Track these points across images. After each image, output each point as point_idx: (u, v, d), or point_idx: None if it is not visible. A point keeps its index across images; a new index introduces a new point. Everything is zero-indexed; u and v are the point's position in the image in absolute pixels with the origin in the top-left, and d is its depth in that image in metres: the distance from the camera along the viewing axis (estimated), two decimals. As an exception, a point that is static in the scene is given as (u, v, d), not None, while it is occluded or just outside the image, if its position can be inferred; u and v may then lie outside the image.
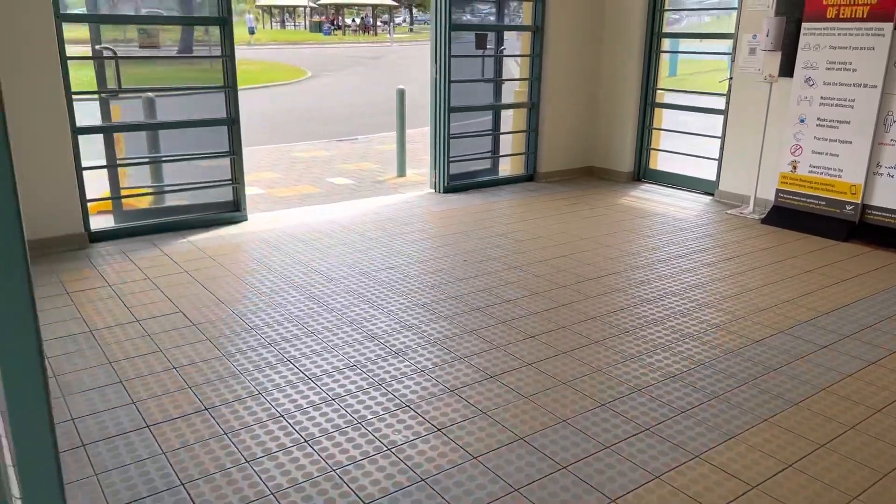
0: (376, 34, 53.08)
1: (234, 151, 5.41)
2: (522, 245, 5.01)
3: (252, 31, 37.58)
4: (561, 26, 6.82)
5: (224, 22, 5.10)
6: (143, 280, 4.20)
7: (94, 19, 4.93)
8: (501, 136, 7.17)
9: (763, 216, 5.80)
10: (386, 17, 56.19)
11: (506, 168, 7.35)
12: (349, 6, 59.51)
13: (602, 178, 7.39)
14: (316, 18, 57.68)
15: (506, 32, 6.93)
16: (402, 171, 7.67)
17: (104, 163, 5.06)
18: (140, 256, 4.65)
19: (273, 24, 65.38)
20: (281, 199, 6.55)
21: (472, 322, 3.66)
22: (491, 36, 6.75)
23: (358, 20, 56.98)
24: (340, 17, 57.44)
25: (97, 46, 4.94)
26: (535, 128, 7.04)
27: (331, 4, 58.91)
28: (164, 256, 4.66)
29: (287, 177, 7.59)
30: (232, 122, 5.33)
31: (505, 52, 6.94)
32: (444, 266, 4.54)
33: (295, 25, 67.01)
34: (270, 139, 10.48)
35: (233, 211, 5.47)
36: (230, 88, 5.26)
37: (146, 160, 5.38)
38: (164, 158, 5.42)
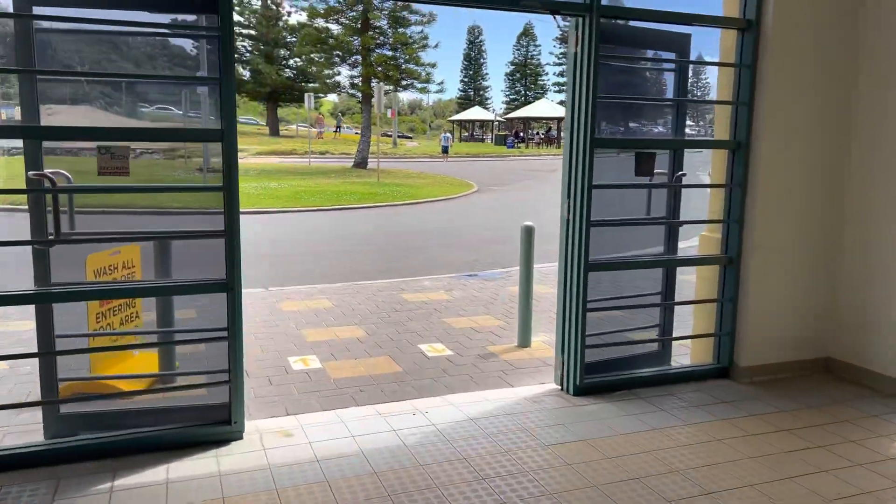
0: (559, 146, 52.30)
1: (232, 333, 3.49)
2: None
3: (445, 150, 37.91)
4: (779, 139, 4.32)
5: (223, 137, 3.33)
6: None
7: (29, 133, 3.41)
8: (676, 307, 4.65)
9: None
10: (571, 129, 55.45)
11: (682, 354, 4.77)
12: (537, 119, 59.95)
13: (850, 379, 4.50)
14: (501, 132, 58.58)
15: (687, 151, 4.54)
16: (524, 340, 5.37)
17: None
18: (13, 518, 2.76)
19: (463, 137, 67.78)
20: (336, 386, 4.52)
21: None
22: (662, 157, 4.40)
23: (542, 132, 56.87)
24: (528, 130, 57.81)
25: (30, 173, 3.38)
26: (734, 294, 4.44)
27: (518, 118, 59.74)
28: (47, 524, 2.73)
29: (371, 337, 5.61)
30: (229, 287, 3.45)
31: (684, 180, 4.53)
32: None
33: (483, 139, 68.96)
34: (387, 269, 8.77)
35: (218, 424, 3.49)
36: (230, 236, 3.41)
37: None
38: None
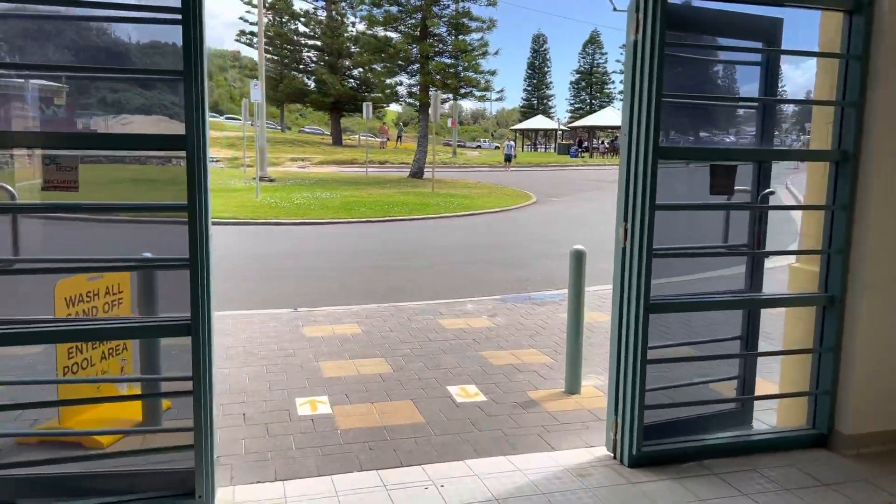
0: (625, 156, 50.59)
1: (199, 386, 2.85)
2: None
3: (508, 159, 37.00)
4: (899, 150, 3.40)
5: (187, 144, 2.69)
6: None
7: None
8: (759, 358, 3.77)
9: None
10: (638, 139, 53.73)
11: (766, 409, 3.88)
12: (602, 128, 58.41)
13: None
14: (565, 141, 57.30)
15: (774, 164, 3.66)
16: (573, 385, 4.56)
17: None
18: None
19: (525, 146, 66.76)
20: (341, 441, 3.83)
21: None
22: (744, 170, 3.54)
23: (607, 142, 55.31)
24: (593, 140, 56.34)
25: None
26: (835, 343, 3.53)
27: (583, 127, 58.35)
28: None
29: (396, 373, 4.91)
30: (193, 330, 2.81)
31: (771, 199, 3.65)
32: None
33: (546, 148, 67.78)
34: (429, 288, 8.07)
35: (181, 497, 2.85)
36: (196, 267, 2.77)
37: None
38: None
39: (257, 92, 16.39)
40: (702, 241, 3.69)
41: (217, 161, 35.74)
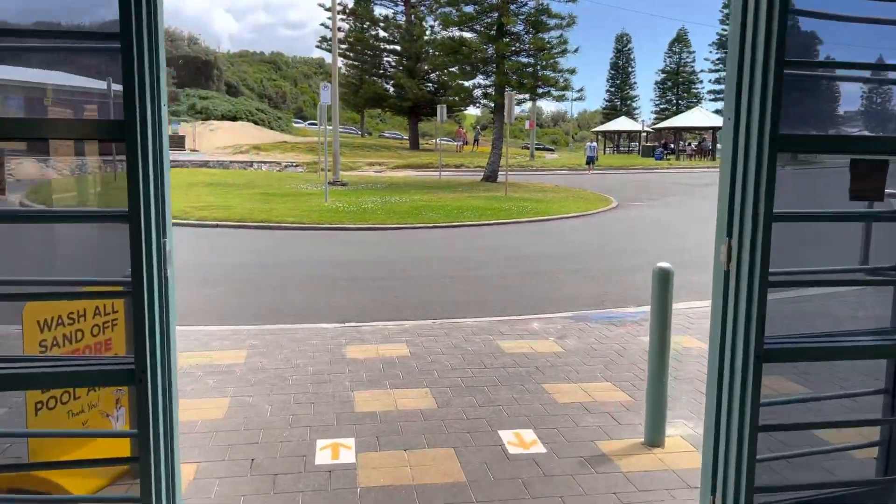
0: (714, 158, 48.06)
1: (146, 448, 2.19)
2: None
3: (591, 161, 35.49)
4: None
5: (125, 134, 2.03)
6: None
7: None
8: (916, 420, 2.79)
9: None
10: (728, 140, 50.83)
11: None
12: (689, 130, 55.79)
13: None
14: (649, 143, 55.06)
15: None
16: (654, 436, 3.68)
17: None
18: None
19: (608, 149, 64.73)
20: None
21: None
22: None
23: (695, 144, 52.74)
24: (679, 141, 53.86)
25: None
26: None
27: (668, 129, 55.92)
28: None
29: (440, 410, 4.17)
30: (137, 378, 2.15)
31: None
32: None
33: (629, 150, 65.49)
34: (491, 302, 7.28)
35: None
36: (141, 295, 2.11)
37: None
38: None
39: (327, 94, 16.09)
40: (818, 262, 2.77)
41: (297, 166, 36.24)
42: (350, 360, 5.20)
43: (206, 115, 57.73)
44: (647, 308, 7.22)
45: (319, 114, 16.91)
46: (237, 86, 76.14)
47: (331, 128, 23.37)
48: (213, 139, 49.95)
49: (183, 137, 45.47)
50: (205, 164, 34.35)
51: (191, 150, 43.68)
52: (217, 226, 13.19)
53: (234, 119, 58.16)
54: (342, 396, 4.39)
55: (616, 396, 4.48)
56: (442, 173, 29.19)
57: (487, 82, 26.58)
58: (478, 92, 26.58)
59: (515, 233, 13.56)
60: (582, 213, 16.69)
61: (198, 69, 66.99)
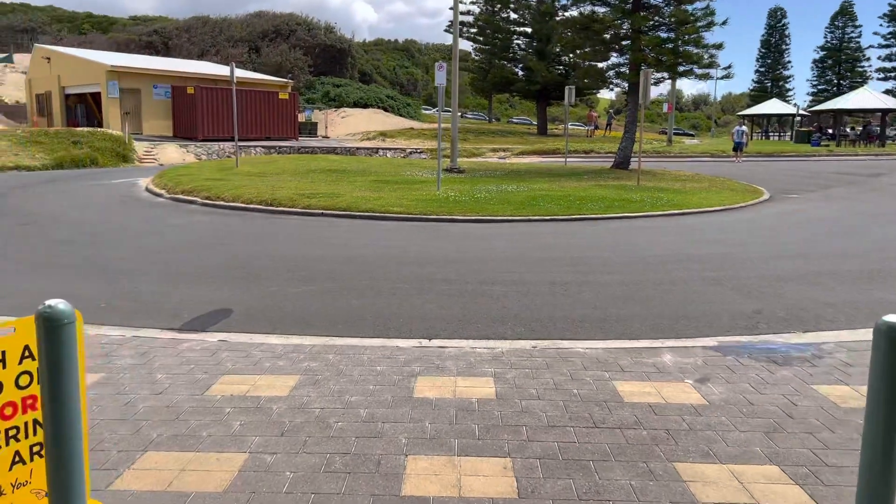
0: (883, 145, 42.33)
1: None
2: None
3: (739, 148, 31.92)
4: None
5: None
6: None
7: None
8: None
9: None
10: (901, 123, 44.76)
11: None
12: (852, 112, 49.70)
13: None
14: (804, 128, 49.58)
15: None
16: None
17: None
18: None
19: (755, 134, 59.38)
20: None
21: None
22: None
23: (859, 128, 46.83)
24: (840, 126, 48.07)
25: None
26: None
27: (828, 111, 50.11)
28: None
29: (522, 502, 2.90)
30: None
31: None
32: None
33: (780, 136, 59.73)
34: (611, 317, 5.83)
35: None
36: None
37: None
38: None
39: (442, 75, 14.98)
40: None
41: (421, 152, 35.77)
42: (417, 399, 4.04)
43: (338, 103, 59.10)
44: (819, 337, 5.50)
45: (440, 98, 15.85)
46: (370, 73, 77.53)
47: (449, 112, 22.36)
48: (344, 126, 50.94)
49: (315, 124, 46.68)
50: (332, 150, 34.71)
51: (322, 137, 44.70)
52: (322, 214, 12.54)
53: (364, 106, 59.09)
54: (390, 465, 3.22)
55: (791, 494, 2.99)
56: (568, 160, 27.41)
57: (621, 60, 24.42)
58: (611, 72, 24.45)
59: (647, 229, 11.82)
60: (727, 206, 14.52)
61: (333, 58, 68.74)
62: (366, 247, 9.79)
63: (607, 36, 23.34)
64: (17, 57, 49.68)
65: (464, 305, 6.54)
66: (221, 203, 13.83)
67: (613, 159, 24.27)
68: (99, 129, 31.20)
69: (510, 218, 12.29)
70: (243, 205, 13.46)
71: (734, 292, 7.16)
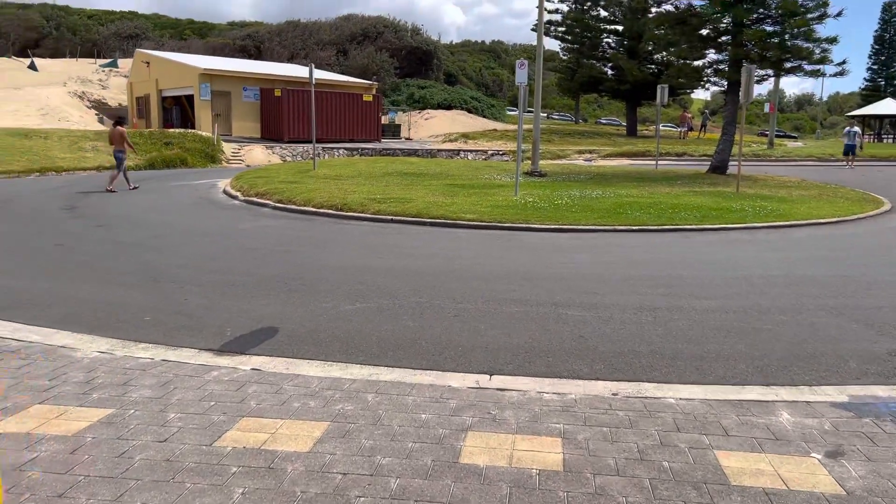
0: None
1: None
2: None
3: (850, 151, 28.43)
4: None
5: None
6: None
7: None
8: None
9: None
10: None
11: None
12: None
13: None
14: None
15: None
16: None
17: None
18: None
19: (868, 136, 54.90)
20: None
21: None
22: None
23: None
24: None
25: None
26: None
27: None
28: None
29: None
30: None
31: None
32: None
33: (895, 139, 54.94)
34: (716, 361, 4.85)
35: None
36: None
37: None
38: None
39: (523, 73, 14.10)
40: None
41: (503, 154, 34.89)
42: (463, 467, 3.26)
43: (422, 104, 59.04)
44: None
45: (521, 98, 15.00)
46: (456, 75, 77.30)
47: (531, 112, 21.41)
48: (427, 127, 50.73)
49: (398, 126, 46.72)
50: (413, 152, 34.42)
51: (405, 139, 44.62)
52: (391, 220, 11.94)
53: (448, 108, 58.76)
54: (415, 570, 2.46)
55: None
56: (659, 163, 25.83)
57: (719, 57, 22.69)
58: (708, 69, 22.75)
59: (748, 242, 10.54)
60: (842, 217, 12.91)
61: (419, 59, 68.94)
62: (432, 257, 9.08)
63: (705, 31, 21.72)
64: (121, 62, 52.32)
65: (534, 333, 5.69)
66: (292, 207, 13.50)
67: (709, 163, 22.59)
68: (190, 131, 32.14)
69: (594, 227, 11.27)
70: (313, 209, 13.06)
71: (861, 326, 5.97)
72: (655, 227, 11.37)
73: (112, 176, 17.14)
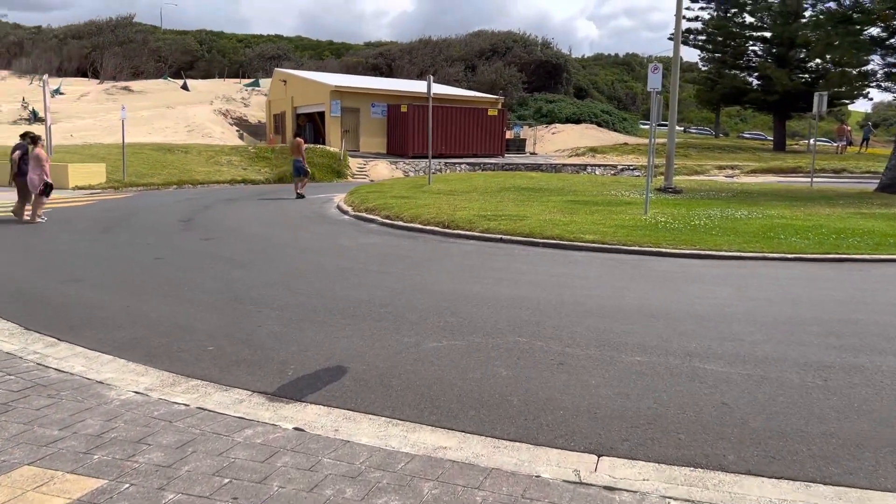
0: None
1: None
2: None
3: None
4: None
5: None
6: None
7: None
8: None
9: None
10: None
11: None
12: None
13: None
14: None
15: None
16: None
17: None
18: None
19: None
20: None
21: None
22: None
23: None
24: None
25: None
26: None
27: None
28: None
29: None
30: None
31: None
32: None
33: None
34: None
35: None
36: None
37: None
38: None
39: (657, 78, 12.59)
40: None
41: (634, 169, 32.80)
42: None
43: (550, 119, 57.56)
44: None
45: (653, 109, 13.49)
46: (586, 88, 75.11)
47: (665, 125, 19.59)
48: (554, 142, 49.22)
49: (524, 141, 45.64)
50: (537, 167, 33.21)
51: (530, 153, 43.45)
52: (500, 240, 10.87)
53: (577, 122, 56.88)
54: None
55: None
56: (814, 180, 22.93)
57: (890, 60, 19.73)
58: (879, 73, 19.82)
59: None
60: None
61: (548, 73, 67.61)
62: (539, 285, 7.87)
63: (874, 31, 18.96)
64: (262, 81, 55.21)
65: (660, 396, 4.40)
66: (399, 223, 12.80)
67: (878, 181, 19.61)
68: (318, 146, 32.87)
69: (738, 254, 9.57)
70: (420, 226, 12.27)
71: None
72: (816, 256, 9.48)
73: (301, 183, 19.26)
